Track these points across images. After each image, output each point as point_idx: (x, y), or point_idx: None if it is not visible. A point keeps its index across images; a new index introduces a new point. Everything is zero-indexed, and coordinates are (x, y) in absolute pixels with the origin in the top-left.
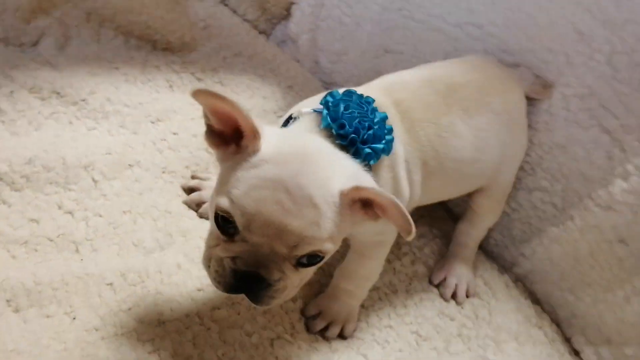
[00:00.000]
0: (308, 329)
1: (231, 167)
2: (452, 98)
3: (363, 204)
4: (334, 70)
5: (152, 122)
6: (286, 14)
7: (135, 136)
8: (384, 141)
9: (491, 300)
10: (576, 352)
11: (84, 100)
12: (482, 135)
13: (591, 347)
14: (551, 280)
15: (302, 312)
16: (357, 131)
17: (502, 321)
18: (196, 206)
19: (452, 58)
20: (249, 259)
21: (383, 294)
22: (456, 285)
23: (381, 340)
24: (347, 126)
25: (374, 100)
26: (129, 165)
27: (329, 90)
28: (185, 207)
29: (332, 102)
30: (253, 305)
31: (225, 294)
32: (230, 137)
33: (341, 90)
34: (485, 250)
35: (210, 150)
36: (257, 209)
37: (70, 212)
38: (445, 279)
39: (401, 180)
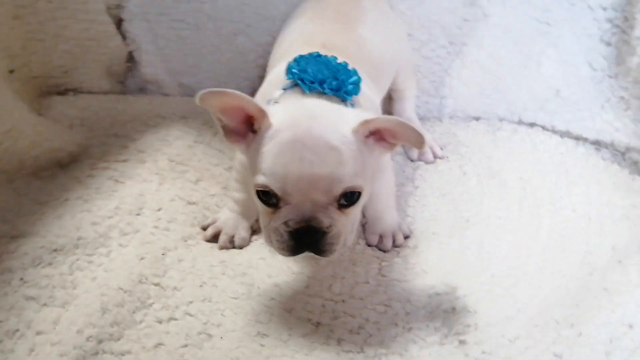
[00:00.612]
0: (384, 250)
1: (255, 149)
2: (343, 17)
3: (377, 139)
4: (201, 80)
5: (139, 215)
6: (129, 65)
7: (141, 233)
8: (353, 74)
9: (455, 138)
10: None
11: (79, 238)
12: (380, 30)
13: (535, 112)
14: (477, 96)
15: (369, 245)
16: (335, 78)
17: (476, 141)
18: (230, 243)
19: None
20: (298, 217)
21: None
22: (430, 148)
23: (430, 218)
24: (327, 79)
25: (318, 52)
26: (162, 254)
27: (287, 66)
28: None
29: (299, 70)
30: (320, 258)
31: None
32: (244, 130)
33: (291, 60)
34: None
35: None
36: (287, 170)
37: (173, 317)
38: (419, 152)
39: (372, 96)
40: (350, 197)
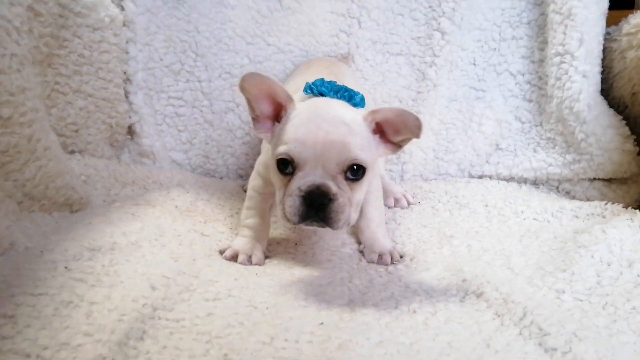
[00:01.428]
0: (385, 265)
1: (279, 130)
2: (332, 74)
3: (383, 141)
4: (191, 157)
5: (162, 236)
6: (128, 138)
7: (168, 248)
8: (358, 93)
9: (422, 189)
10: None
11: (114, 243)
12: (357, 85)
13: (481, 165)
14: (432, 159)
15: (370, 263)
16: (346, 91)
17: (440, 188)
18: (248, 262)
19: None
20: (310, 181)
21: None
22: (403, 196)
23: (417, 241)
24: (340, 91)
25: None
26: (193, 259)
27: (305, 87)
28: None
29: (317, 86)
30: (329, 230)
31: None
32: (270, 124)
33: (303, 87)
34: None
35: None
36: (305, 136)
37: (218, 298)
38: (395, 201)
39: None
40: (356, 172)
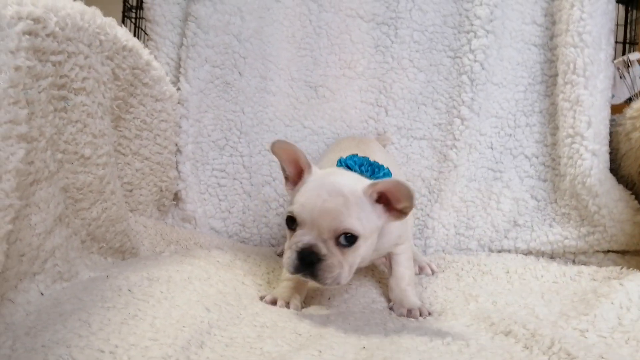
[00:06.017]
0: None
1: (296, 190)
2: (364, 151)
3: (387, 209)
4: (229, 225)
5: (204, 280)
6: (172, 203)
7: (215, 288)
8: (384, 169)
9: (445, 260)
10: (499, 251)
11: (169, 277)
12: (386, 158)
13: (500, 240)
14: (453, 235)
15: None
16: (370, 165)
17: (463, 259)
18: (286, 307)
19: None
20: (304, 240)
21: None
22: (427, 265)
23: (443, 301)
24: (364, 165)
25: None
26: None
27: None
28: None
29: (346, 161)
30: (317, 285)
31: None
32: (296, 180)
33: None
34: None
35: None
36: (307, 201)
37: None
38: (419, 268)
39: None
40: (349, 239)
